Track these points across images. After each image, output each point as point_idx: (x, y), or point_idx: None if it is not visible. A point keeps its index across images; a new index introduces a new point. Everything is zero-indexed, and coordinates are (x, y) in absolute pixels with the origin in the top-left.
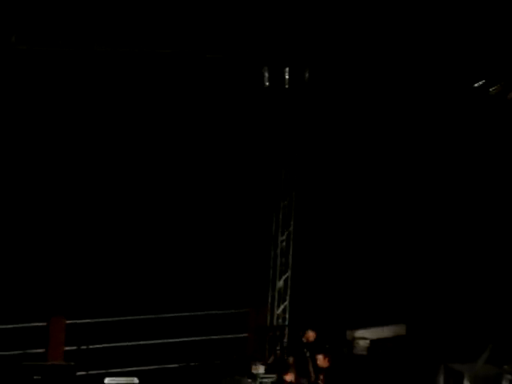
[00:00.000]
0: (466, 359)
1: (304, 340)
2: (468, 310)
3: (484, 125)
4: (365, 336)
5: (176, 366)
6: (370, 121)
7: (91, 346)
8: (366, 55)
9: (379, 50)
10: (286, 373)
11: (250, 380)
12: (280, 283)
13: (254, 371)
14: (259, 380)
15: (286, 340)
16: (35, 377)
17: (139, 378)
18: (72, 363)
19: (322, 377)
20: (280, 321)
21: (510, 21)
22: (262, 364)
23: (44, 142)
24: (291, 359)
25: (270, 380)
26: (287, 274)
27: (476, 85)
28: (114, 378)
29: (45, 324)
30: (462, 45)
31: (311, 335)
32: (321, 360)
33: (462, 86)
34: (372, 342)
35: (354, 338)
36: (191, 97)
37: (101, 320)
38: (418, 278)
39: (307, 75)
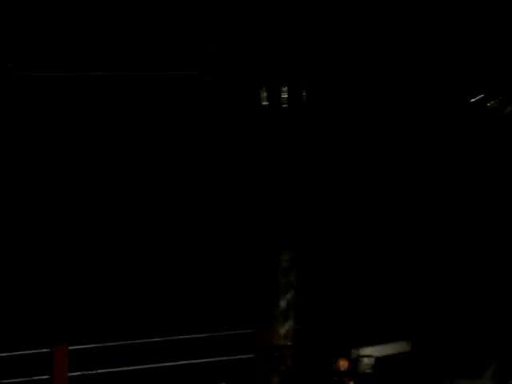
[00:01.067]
0: (471, 375)
1: (336, 369)
2: (473, 326)
3: (481, 139)
4: (370, 354)
5: None
6: (369, 138)
7: (96, 372)
8: (363, 73)
9: (376, 68)
10: None
11: None
12: (283, 303)
13: None
14: None
15: (290, 360)
16: None
17: None
18: None
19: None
20: (284, 341)
21: (508, 35)
22: None
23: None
24: None
25: None
26: (290, 294)
27: (473, 100)
28: None
29: (48, 350)
30: (460, 59)
31: (343, 364)
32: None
33: (459, 100)
34: (377, 359)
35: (359, 356)
36: (188, 118)
37: (104, 344)
38: (423, 294)
39: (305, 94)
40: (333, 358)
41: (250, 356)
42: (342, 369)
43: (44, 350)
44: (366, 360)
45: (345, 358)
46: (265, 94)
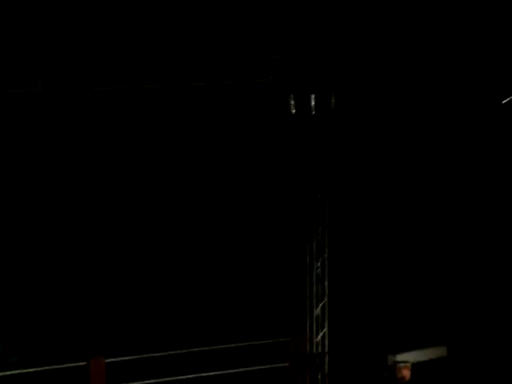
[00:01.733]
0: (509, 380)
1: (399, 377)
2: (508, 331)
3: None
4: (406, 359)
5: None
6: (398, 144)
7: None
8: (391, 79)
9: (405, 72)
10: None
11: None
12: (317, 311)
13: None
14: None
15: (326, 367)
16: None
17: None
18: None
19: None
20: (320, 348)
21: None
22: None
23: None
24: None
25: None
26: (324, 301)
27: (504, 101)
28: None
29: (84, 364)
30: (491, 61)
31: (407, 373)
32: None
33: (491, 102)
34: (413, 365)
35: (395, 362)
36: (218, 127)
37: (140, 357)
38: (459, 299)
39: (333, 101)
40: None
41: (286, 364)
42: (407, 378)
43: (80, 364)
44: (402, 366)
45: (407, 367)
46: (293, 102)
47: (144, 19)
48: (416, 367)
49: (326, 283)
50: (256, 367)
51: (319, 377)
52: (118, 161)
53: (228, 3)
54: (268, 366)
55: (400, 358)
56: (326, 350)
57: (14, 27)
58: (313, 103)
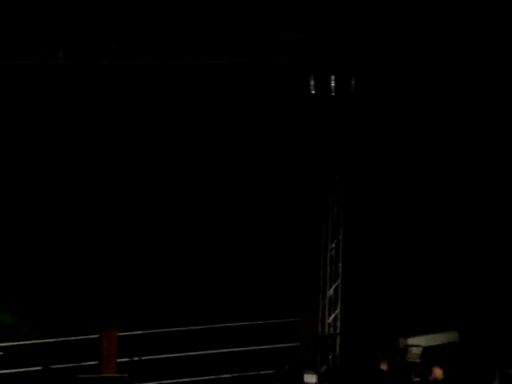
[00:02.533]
0: None
1: (431, 379)
2: None
3: None
4: (418, 343)
5: (229, 376)
6: (418, 126)
7: (144, 358)
8: (411, 63)
9: (424, 57)
10: None
11: None
12: (330, 292)
13: (306, 380)
14: None
15: (337, 349)
16: None
17: None
18: (125, 375)
19: None
20: (331, 329)
21: None
22: (315, 373)
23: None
24: None
25: None
26: (337, 283)
27: None
28: None
29: (97, 336)
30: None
31: (439, 373)
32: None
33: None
34: (425, 349)
35: (407, 346)
36: (238, 106)
37: (152, 331)
38: (470, 284)
39: (353, 83)
40: (381, 348)
41: (298, 344)
42: (440, 378)
43: (93, 336)
44: (414, 349)
45: (438, 367)
46: (313, 83)
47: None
48: (428, 351)
49: (340, 264)
50: (268, 346)
51: (330, 357)
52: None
53: None
54: (279, 346)
55: (411, 341)
56: (338, 331)
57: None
58: (332, 84)
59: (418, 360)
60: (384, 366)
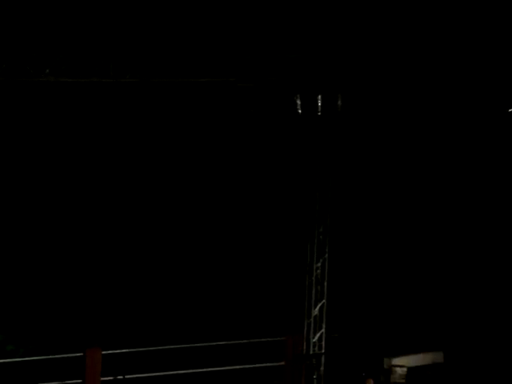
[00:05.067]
0: None
1: None
2: (505, 337)
3: None
4: (402, 363)
5: None
6: (402, 145)
7: (128, 376)
8: (397, 83)
9: (410, 75)
10: None
11: None
12: (316, 311)
13: None
14: None
15: (322, 368)
16: None
17: None
18: None
19: None
20: (316, 349)
21: None
22: None
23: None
24: None
25: None
26: (323, 302)
27: (511, 110)
28: None
29: (81, 354)
30: (498, 71)
31: None
32: None
33: (497, 111)
34: (409, 369)
35: (392, 366)
36: (225, 125)
37: (136, 350)
38: (455, 305)
39: (340, 102)
40: (365, 368)
41: (282, 363)
42: None
43: (77, 354)
44: (398, 370)
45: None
46: (299, 102)
47: (153, 16)
48: (412, 371)
49: (326, 284)
50: (252, 365)
51: (315, 377)
52: (122, 155)
53: (236, 2)
54: (264, 365)
55: (396, 361)
56: (323, 350)
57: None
58: (319, 104)
59: (403, 380)
60: None
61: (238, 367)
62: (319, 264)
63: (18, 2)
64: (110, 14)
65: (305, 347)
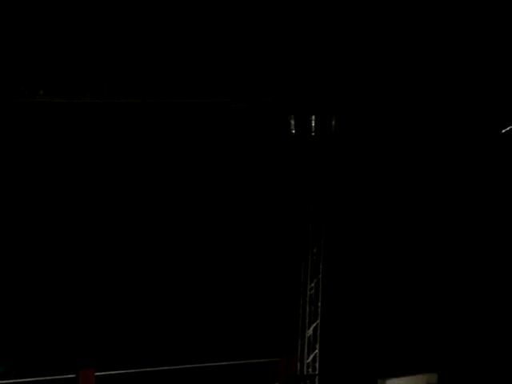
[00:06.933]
0: None
1: None
2: (499, 359)
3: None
4: None
5: None
6: (396, 166)
7: None
8: (391, 103)
9: (404, 97)
10: None
11: None
12: (309, 331)
13: None
14: None
15: None
16: None
17: None
18: None
19: None
20: (310, 370)
21: None
22: None
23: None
24: None
25: None
26: (317, 322)
27: (503, 131)
28: None
29: (74, 376)
30: (490, 90)
31: None
32: None
33: (489, 131)
34: None
35: None
36: (217, 145)
37: (130, 371)
38: (449, 326)
39: (334, 123)
40: None
41: None
42: None
43: (70, 376)
44: None
45: None
46: (293, 123)
47: (147, 37)
48: None
49: (320, 304)
50: None
51: None
52: (117, 175)
53: (229, 22)
54: None
55: (390, 383)
56: (317, 371)
57: (17, 35)
58: (313, 124)
59: None
60: None
61: None
62: (313, 284)
63: (12, 23)
64: (104, 34)
65: (299, 368)
